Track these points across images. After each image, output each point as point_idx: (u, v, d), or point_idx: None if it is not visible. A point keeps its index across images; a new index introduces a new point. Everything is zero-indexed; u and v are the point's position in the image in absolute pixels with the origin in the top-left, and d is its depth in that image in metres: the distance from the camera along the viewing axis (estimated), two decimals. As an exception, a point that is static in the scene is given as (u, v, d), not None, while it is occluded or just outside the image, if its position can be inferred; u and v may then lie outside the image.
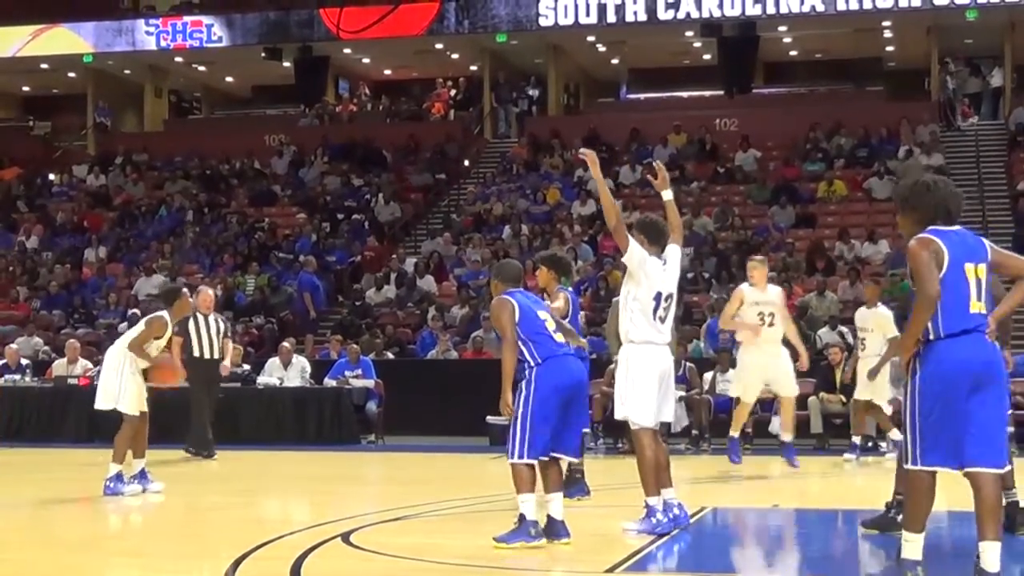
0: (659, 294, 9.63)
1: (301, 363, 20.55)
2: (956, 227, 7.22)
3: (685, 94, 38.36)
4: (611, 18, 33.30)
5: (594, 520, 10.80)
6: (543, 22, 33.80)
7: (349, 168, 33.84)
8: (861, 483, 14.92)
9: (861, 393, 16.10)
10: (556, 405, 8.91)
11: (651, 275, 9.62)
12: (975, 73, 34.96)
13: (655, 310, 9.63)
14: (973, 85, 34.82)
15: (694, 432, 18.30)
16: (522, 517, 8.88)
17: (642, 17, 33.09)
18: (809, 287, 23.72)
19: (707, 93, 36.92)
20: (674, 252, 9.83)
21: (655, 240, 9.74)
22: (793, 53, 37.71)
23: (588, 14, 33.33)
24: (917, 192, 7.36)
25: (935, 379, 6.96)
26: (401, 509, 11.16)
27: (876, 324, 15.91)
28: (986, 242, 7.34)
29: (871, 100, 35.59)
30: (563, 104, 37.96)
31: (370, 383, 20.15)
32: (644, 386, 9.53)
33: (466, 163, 34.80)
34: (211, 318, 17.44)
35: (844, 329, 20.94)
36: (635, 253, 9.57)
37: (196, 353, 17.18)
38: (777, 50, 36.70)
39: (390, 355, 22.93)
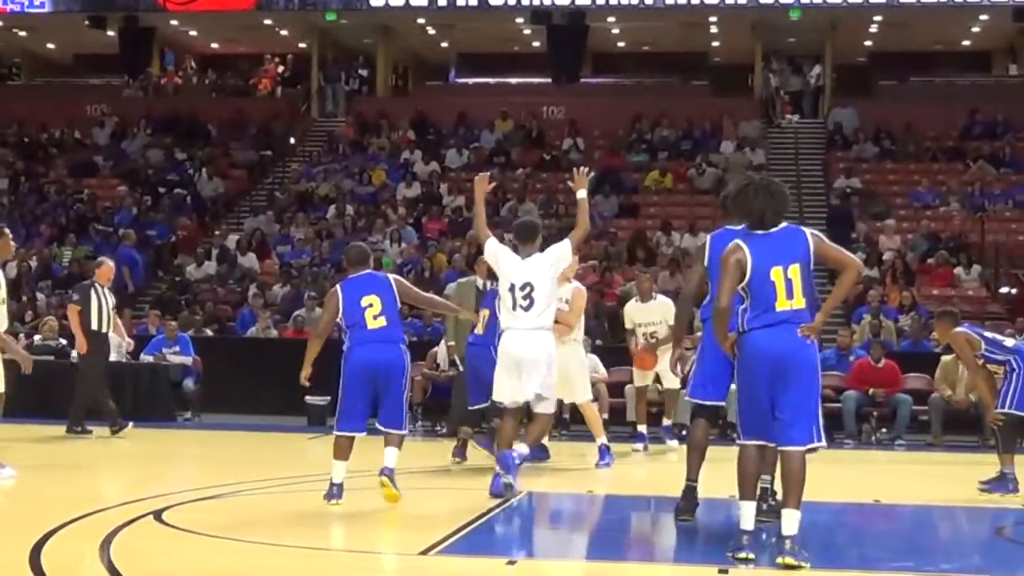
0: (513, 285, 10.77)
1: (118, 338, 20.13)
2: (776, 228, 7.81)
3: (513, 80, 38.50)
4: (442, 1, 33.26)
5: (410, 503, 10.79)
6: (374, 2, 33.61)
7: (172, 142, 33.28)
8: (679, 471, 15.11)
9: (672, 382, 16.26)
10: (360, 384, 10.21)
11: (504, 269, 10.89)
12: (797, 71, 35.75)
13: (512, 300, 10.74)
14: (795, 83, 35.59)
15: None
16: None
17: (473, 2, 33.12)
18: (630, 276, 23.97)
19: (535, 80, 37.10)
20: (552, 249, 11.06)
21: (521, 239, 11.16)
22: (621, 44, 38.10)
23: (419, -4, 33.26)
24: (738, 197, 8.12)
25: (743, 368, 7.89)
26: (215, 487, 11.01)
27: (663, 315, 15.87)
28: (809, 238, 7.81)
29: (696, 94, 36.16)
30: (391, 85, 37.85)
31: (188, 360, 19.83)
32: (499, 367, 10.91)
33: (292, 141, 34.46)
34: (106, 290, 16.96)
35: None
36: (487, 251, 11.12)
37: (94, 326, 16.68)
38: (605, 40, 37.04)
39: (209, 332, 22.60)
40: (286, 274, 25.14)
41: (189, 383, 19.81)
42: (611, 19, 35.00)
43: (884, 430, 18.26)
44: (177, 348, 20.03)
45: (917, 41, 36.04)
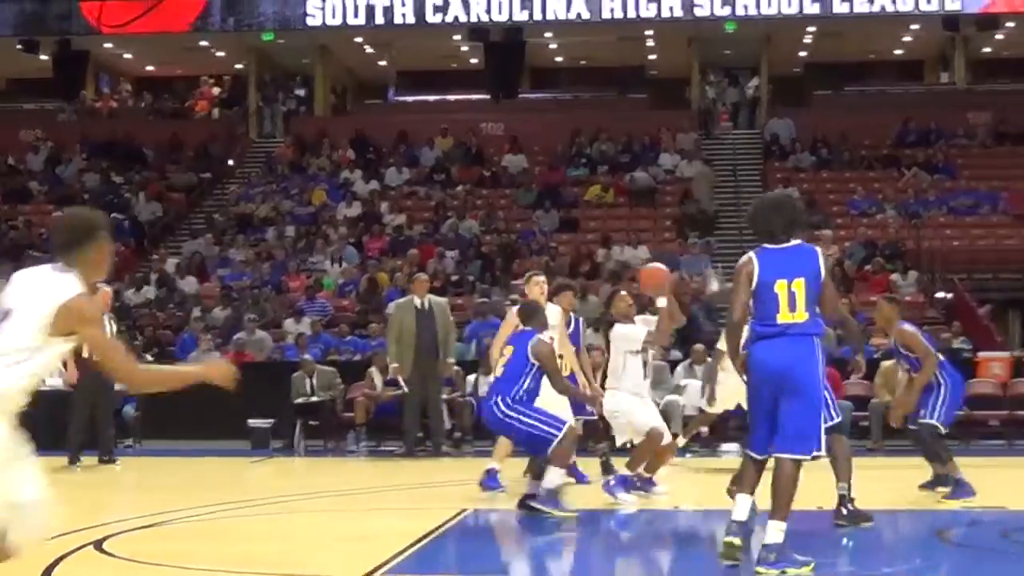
0: None
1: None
2: (789, 244, 8.07)
3: (452, 97, 38.48)
4: (379, 19, 33.19)
5: (357, 522, 10.78)
6: (310, 22, 33.50)
7: (109, 166, 33.05)
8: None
9: None
10: None
11: None
12: (733, 83, 36.00)
13: None
14: (732, 95, 35.85)
15: (456, 434, 18.37)
16: None
17: (410, 19, 33.05)
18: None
19: (474, 97, 37.10)
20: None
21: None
22: (559, 59, 38.22)
23: (356, 15, 33.13)
24: (752, 214, 8.35)
25: (750, 378, 8.04)
26: (157, 515, 10.94)
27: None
28: (820, 259, 8.04)
29: (634, 107, 36.29)
30: (330, 105, 37.75)
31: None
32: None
33: (230, 163, 34.33)
34: (106, 318, 16.70)
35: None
36: None
37: (84, 354, 16.38)
38: (543, 56, 37.14)
39: (149, 357, 22.44)
40: (226, 297, 25.02)
41: (130, 410, 19.64)
42: (548, 34, 35.10)
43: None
44: (118, 374, 19.84)
45: (851, 51, 36.36)
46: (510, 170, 31.49)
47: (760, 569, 7.66)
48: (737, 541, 7.93)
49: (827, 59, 36.83)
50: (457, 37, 34.90)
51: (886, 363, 17.81)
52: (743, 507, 8.08)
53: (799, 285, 7.89)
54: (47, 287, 5.34)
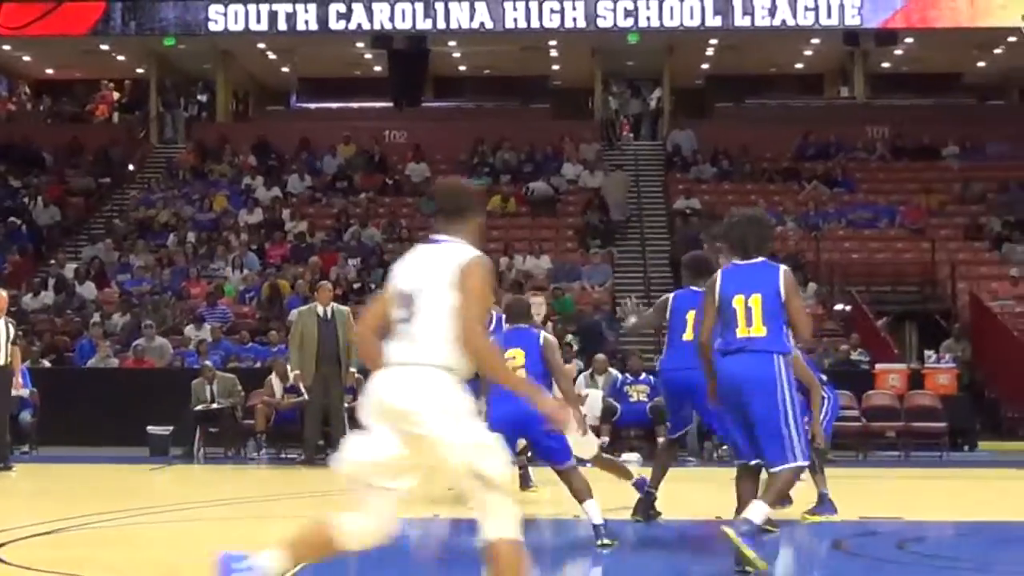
0: None
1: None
2: (754, 260, 8.34)
3: (356, 105, 38.37)
4: (282, 26, 33.06)
5: (256, 530, 10.70)
6: (212, 27, 33.28)
7: (6, 169, 32.58)
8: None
9: None
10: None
11: None
12: (636, 94, 36.26)
13: None
14: (634, 106, 36.09)
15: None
16: None
17: (313, 26, 32.97)
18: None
19: (377, 104, 37.02)
20: None
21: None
22: (462, 68, 38.25)
23: (259, 21, 32.98)
24: (729, 227, 8.68)
25: (718, 391, 8.38)
26: (55, 522, 10.76)
27: None
28: (781, 274, 8.24)
29: (537, 117, 36.40)
30: (232, 111, 37.49)
31: (25, 392, 19.34)
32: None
33: (131, 168, 33.95)
34: (0, 322, 16.36)
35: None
36: None
37: None
38: (447, 64, 37.15)
39: (47, 363, 22.16)
40: (126, 303, 24.74)
41: (26, 415, 19.35)
42: (452, 43, 35.13)
43: (725, 447, 18.54)
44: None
45: (752, 64, 36.75)
46: (413, 178, 31.46)
47: (727, 530, 7.81)
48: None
49: (729, 72, 37.18)
50: (360, 44, 34.84)
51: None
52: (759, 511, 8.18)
53: (755, 301, 8.12)
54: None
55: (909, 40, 34.22)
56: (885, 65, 37.03)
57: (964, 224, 29.06)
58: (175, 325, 23.74)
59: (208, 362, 20.04)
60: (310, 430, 17.48)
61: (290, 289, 24.66)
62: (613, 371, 19.40)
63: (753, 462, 8.37)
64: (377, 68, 36.50)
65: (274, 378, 18.90)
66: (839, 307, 25.57)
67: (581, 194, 30.47)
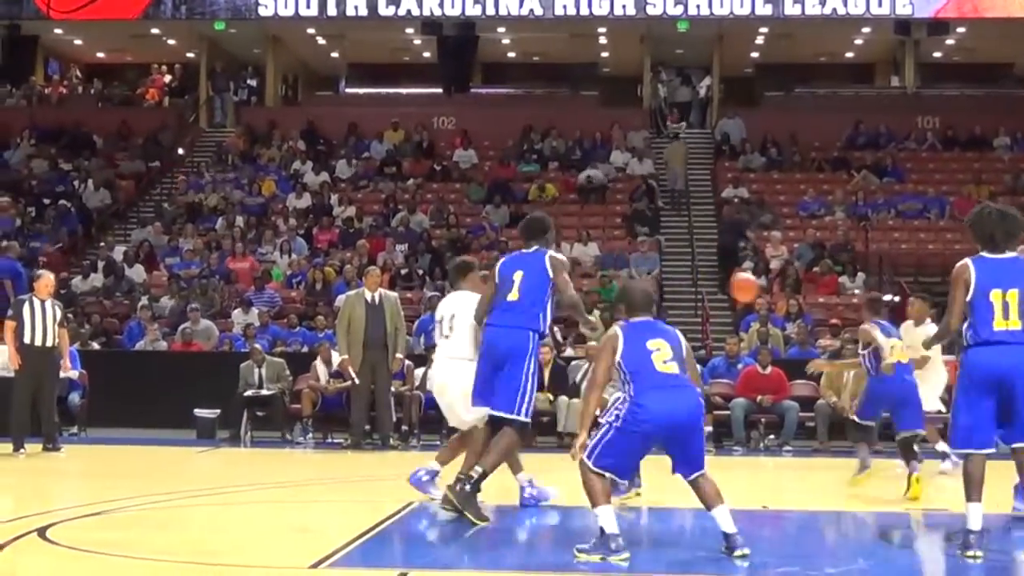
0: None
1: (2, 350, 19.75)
2: (1007, 254, 8.53)
3: (404, 91, 38.43)
4: (332, 11, 33.16)
5: (302, 515, 10.75)
6: (262, 12, 33.42)
7: (57, 152, 32.81)
8: (566, 479, 15.17)
9: None
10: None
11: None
12: (685, 82, 36.13)
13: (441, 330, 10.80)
14: (683, 94, 35.96)
15: (404, 428, 18.33)
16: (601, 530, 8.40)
17: (363, 12, 33.04)
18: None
19: (426, 90, 37.06)
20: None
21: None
22: (511, 55, 38.22)
23: (308, 6, 33.10)
24: (976, 219, 8.74)
25: (972, 379, 8.48)
26: (102, 504, 10.85)
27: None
28: None
29: (585, 104, 36.31)
30: (281, 96, 37.62)
31: (74, 374, 19.49)
32: None
33: (180, 152, 34.13)
34: (48, 304, 16.51)
35: (556, 328, 21.25)
36: None
37: (27, 340, 16.24)
38: (496, 51, 37.13)
39: (96, 345, 22.31)
40: (174, 286, 24.87)
41: (75, 397, 19.49)
42: (501, 30, 35.11)
43: (772, 436, 18.51)
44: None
45: (802, 53, 36.57)
46: (461, 164, 31.47)
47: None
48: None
49: (778, 60, 37.02)
50: (410, 30, 34.89)
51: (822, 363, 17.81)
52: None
53: (1013, 296, 8.36)
54: None
55: (961, 30, 33.98)
56: (936, 55, 36.76)
57: (1015, 215, 28.78)
58: (223, 309, 23.85)
59: (257, 345, 20.13)
60: (357, 415, 17.52)
61: (336, 274, 24.68)
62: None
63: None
64: (426, 54, 36.54)
65: (319, 363, 18.96)
66: (887, 297, 25.36)
67: (629, 182, 30.39)
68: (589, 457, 8.31)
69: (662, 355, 8.36)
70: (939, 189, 29.97)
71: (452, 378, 10.68)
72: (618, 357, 8.38)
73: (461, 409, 10.76)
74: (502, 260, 10.33)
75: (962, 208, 28.83)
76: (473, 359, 10.58)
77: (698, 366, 17.93)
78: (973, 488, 8.40)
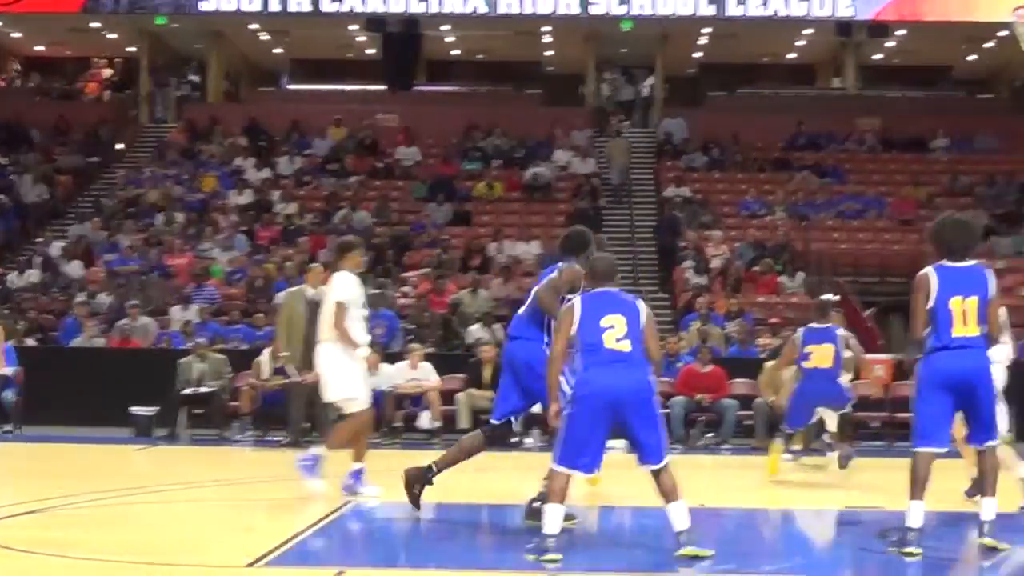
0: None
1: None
2: (967, 263, 8.78)
3: (347, 87, 38.26)
4: (274, 7, 32.94)
5: (241, 513, 10.70)
6: (204, 7, 33.16)
7: (-6, 146, 32.48)
8: (504, 478, 15.19)
9: None
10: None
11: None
12: (629, 82, 36.21)
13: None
14: (627, 93, 36.05)
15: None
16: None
17: (306, 8, 32.85)
18: (463, 284, 24.05)
19: (369, 87, 36.94)
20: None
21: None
22: (455, 52, 38.16)
23: (251, 2, 32.84)
24: (936, 230, 9.02)
25: (933, 382, 8.75)
26: (38, 502, 10.75)
27: None
28: (990, 277, 8.85)
29: (529, 103, 36.34)
30: (223, 91, 37.36)
31: (9, 371, 19.28)
32: None
33: (120, 147, 33.85)
34: None
35: (496, 326, 21.29)
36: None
37: None
38: (440, 49, 37.07)
39: (31, 342, 22.09)
40: (113, 282, 24.67)
41: (10, 394, 19.30)
42: (445, 27, 35.04)
43: (711, 434, 18.60)
44: (-2, 358, 19.49)
45: (744, 54, 36.73)
46: (404, 162, 31.41)
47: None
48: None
49: (722, 61, 37.18)
50: (354, 27, 34.76)
51: (770, 363, 17.95)
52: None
53: (972, 303, 8.63)
54: None
55: (901, 32, 34.26)
56: (876, 57, 37.05)
57: (952, 216, 29.05)
58: (161, 305, 23.67)
59: (201, 339, 20.01)
60: (295, 413, 17.45)
61: (277, 271, 24.55)
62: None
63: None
64: (370, 51, 36.43)
65: (264, 359, 18.84)
66: (826, 297, 25.54)
67: (572, 180, 30.45)
68: (553, 455, 8.41)
69: (616, 332, 8.40)
70: (878, 190, 30.22)
71: (318, 362, 11.36)
72: (574, 330, 8.46)
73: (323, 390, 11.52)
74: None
75: (900, 209, 29.17)
76: (330, 340, 11.20)
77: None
78: (917, 486, 8.59)
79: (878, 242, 28.06)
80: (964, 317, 8.62)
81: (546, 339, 9.63)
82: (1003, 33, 30.28)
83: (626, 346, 8.38)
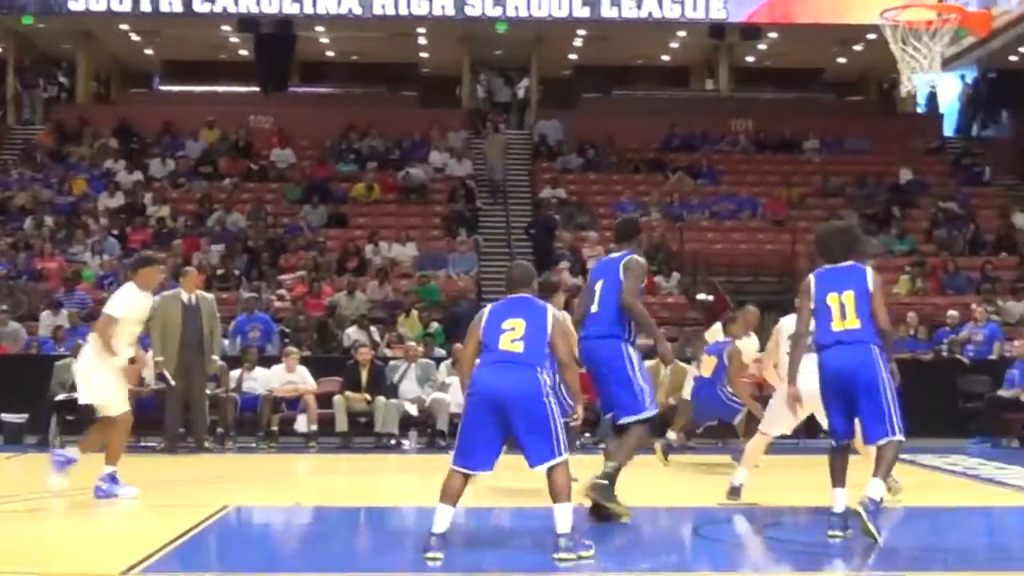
0: None
1: None
2: (846, 264, 9.22)
3: (220, 89, 37.88)
4: (145, 7, 32.49)
5: (114, 520, 10.53)
6: (73, 6, 32.61)
7: None
8: (384, 480, 15.15)
9: None
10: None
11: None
12: (508, 83, 36.29)
13: None
14: (503, 95, 36.12)
15: (219, 430, 18.04)
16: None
17: (177, 8, 32.46)
18: (339, 286, 23.91)
19: (242, 89, 36.63)
20: None
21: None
22: (330, 54, 37.96)
23: (121, 1, 32.39)
24: (819, 237, 9.70)
25: (823, 374, 9.23)
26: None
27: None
28: (868, 278, 9.22)
29: (404, 104, 36.26)
30: (93, 92, 36.80)
31: None
32: None
33: (-13, 149, 33.17)
34: None
35: (373, 328, 21.22)
36: None
37: None
38: (314, 50, 36.85)
39: (-103, 349, 21.55)
40: (-21, 286, 24.14)
41: None
42: (319, 28, 34.84)
43: (587, 434, 18.64)
44: None
45: (619, 55, 36.97)
46: (278, 164, 31.16)
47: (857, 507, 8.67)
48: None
49: (596, 63, 37.41)
50: (226, 28, 34.43)
51: (647, 363, 18.01)
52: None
53: (849, 297, 9.01)
54: None
55: (773, 35, 34.74)
56: (749, 59, 37.52)
57: (823, 216, 29.37)
58: (31, 311, 23.22)
59: (81, 341, 19.62)
60: (171, 418, 17.21)
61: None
62: (476, 359, 19.34)
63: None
64: (243, 52, 36.12)
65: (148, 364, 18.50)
66: (702, 297, 25.84)
67: (448, 182, 30.44)
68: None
69: (513, 334, 8.52)
70: (751, 191, 30.61)
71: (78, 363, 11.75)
72: (480, 334, 8.62)
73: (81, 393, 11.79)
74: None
75: (773, 209, 29.58)
76: (93, 345, 11.46)
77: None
78: (836, 476, 9.11)
79: (752, 242, 28.41)
80: (842, 311, 8.97)
81: (626, 336, 10.15)
82: (872, 36, 30.81)
83: (519, 347, 8.47)
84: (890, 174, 31.08)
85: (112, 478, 11.24)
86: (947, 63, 29.13)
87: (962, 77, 35.52)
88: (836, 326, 8.98)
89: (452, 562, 8.17)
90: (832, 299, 9.02)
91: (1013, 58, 34.23)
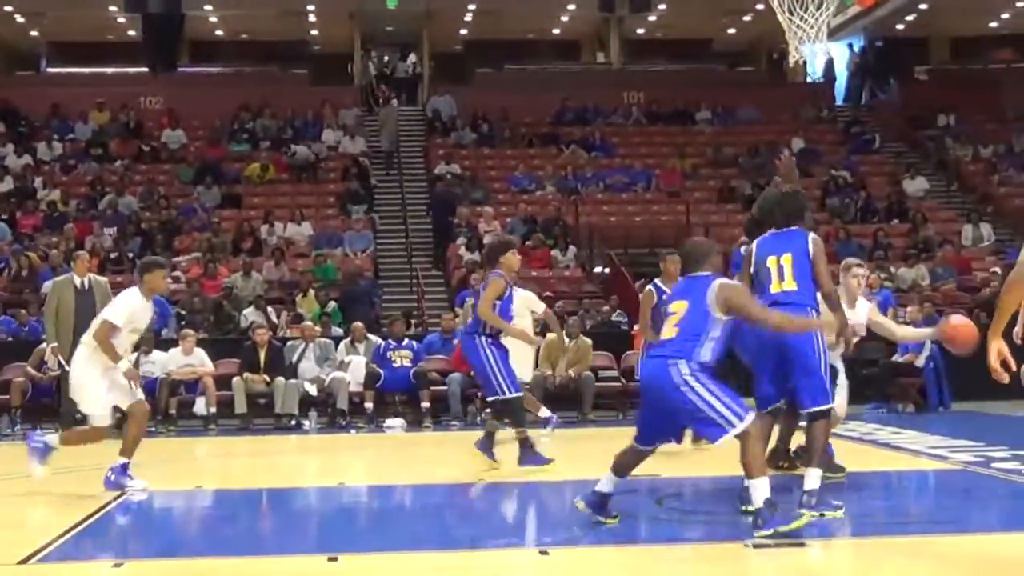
0: None
1: None
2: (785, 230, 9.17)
3: (109, 70, 37.43)
4: (30, -12, 32.04)
5: (11, 509, 10.44)
6: (-46, -12, 32.07)
7: None
8: (285, 461, 15.13)
9: None
10: None
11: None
12: (400, 59, 36.23)
13: None
14: (400, 70, 36.05)
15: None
16: None
17: (64, -12, 32.05)
18: (235, 267, 23.78)
19: (131, 70, 36.21)
20: None
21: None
22: (219, 33, 37.66)
23: (5, -18, 31.90)
24: (760, 204, 9.84)
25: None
26: None
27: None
28: (809, 242, 9.08)
29: (296, 83, 36.01)
30: (-22, 76, 36.20)
31: None
32: None
33: None
34: None
35: (270, 309, 21.15)
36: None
37: None
38: (203, 29, 36.54)
39: None
40: None
41: None
42: (208, 7, 34.55)
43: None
44: None
45: (510, 30, 37.06)
46: (170, 145, 30.88)
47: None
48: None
49: (488, 37, 37.47)
50: (113, 8, 34.04)
51: (549, 336, 18.15)
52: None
53: (787, 259, 8.99)
54: None
55: (662, 7, 35.00)
56: (640, 31, 37.77)
57: (717, 187, 29.85)
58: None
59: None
60: (67, 404, 16.99)
61: (41, 260, 23.89)
62: (374, 337, 19.38)
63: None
64: (131, 32, 35.74)
65: (49, 349, 18.27)
66: (598, 269, 26.03)
67: (341, 159, 30.34)
68: None
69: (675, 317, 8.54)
70: (645, 163, 30.83)
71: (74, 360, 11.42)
72: None
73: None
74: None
75: (667, 181, 29.82)
76: (88, 346, 11.14)
77: (414, 343, 18.35)
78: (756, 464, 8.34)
79: (646, 214, 28.62)
80: (780, 273, 8.98)
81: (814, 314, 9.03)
82: (760, 7, 31.15)
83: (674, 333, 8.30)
84: (782, 143, 31.41)
85: (123, 469, 11.02)
86: (834, 32, 29.63)
87: (850, 46, 36.03)
88: (774, 287, 8.96)
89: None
90: (771, 261, 9.02)
91: (900, 26, 34.81)
